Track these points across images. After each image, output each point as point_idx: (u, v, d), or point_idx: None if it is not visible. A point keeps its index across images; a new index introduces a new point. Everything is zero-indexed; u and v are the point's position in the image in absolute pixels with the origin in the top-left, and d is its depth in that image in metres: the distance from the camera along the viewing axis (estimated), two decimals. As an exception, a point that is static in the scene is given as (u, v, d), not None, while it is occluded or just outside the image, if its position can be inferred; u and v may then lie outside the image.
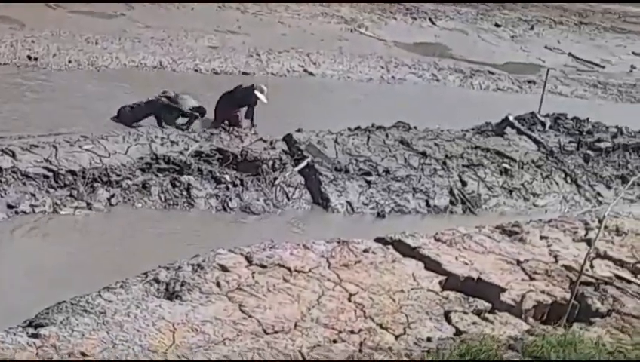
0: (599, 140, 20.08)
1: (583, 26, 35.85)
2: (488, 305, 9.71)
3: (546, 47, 32.41)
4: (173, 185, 15.33)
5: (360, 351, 8.32)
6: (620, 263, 11.29)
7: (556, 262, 11.04)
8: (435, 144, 18.22)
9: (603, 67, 30.94)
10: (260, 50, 24.90)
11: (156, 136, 16.30)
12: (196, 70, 22.74)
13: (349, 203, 16.22)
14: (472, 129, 19.69)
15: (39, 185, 14.39)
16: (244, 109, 18.47)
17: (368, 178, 16.75)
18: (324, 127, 17.87)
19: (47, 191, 14.37)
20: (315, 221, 15.55)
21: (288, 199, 15.99)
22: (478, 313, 9.53)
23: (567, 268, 10.81)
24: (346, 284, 9.63)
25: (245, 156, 16.32)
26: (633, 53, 33.56)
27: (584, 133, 20.30)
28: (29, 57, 21.14)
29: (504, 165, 18.25)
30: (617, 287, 10.44)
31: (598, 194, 18.66)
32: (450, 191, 17.19)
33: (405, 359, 8.14)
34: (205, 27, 26.32)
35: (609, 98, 27.22)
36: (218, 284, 9.22)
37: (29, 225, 13.63)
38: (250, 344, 8.22)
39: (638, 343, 8.84)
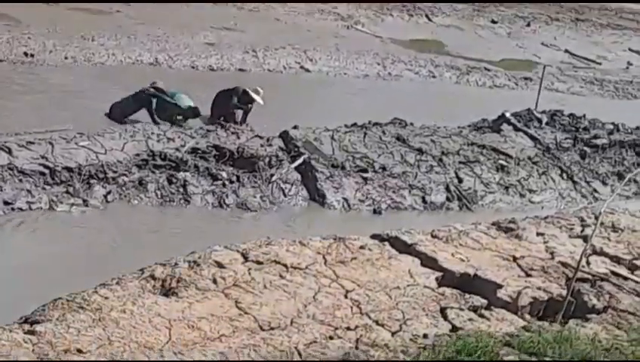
0: (595, 137, 20.09)
1: (580, 23, 35.89)
2: (484, 302, 9.70)
3: (542, 43, 32.46)
4: (170, 182, 15.33)
5: (356, 347, 8.31)
6: (616, 259, 11.29)
7: (552, 258, 11.04)
8: (432, 141, 18.23)
9: (599, 64, 30.97)
10: (256, 47, 24.91)
11: (152, 133, 16.29)
12: (192, 67, 22.75)
13: (345, 199, 16.22)
14: (469, 125, 19.70)
15: (35, 182, 14.38)
16: (239, 112, 18.47)
17: (365, 174, 16.76)
18: (320, 123, 17.87)
19: (44, 188, 14.37)
20: (311, 217, 15.56)
21: (285, 196, 15.99)
22: (475, 309, 9.53)
23: (564, 264, 10.81)
24: (342, 281, 9.62)
25: (242, 153, 16.31)
26: (629, 49, 33.61)
27: (580, 130, 20.31)
28: (26, 54, 21.15)
29: (500, 162, 18.26)
30: (613, 284, 10.44)
31: (595, 190, 18.68)
32: (447, 188, 17.20)
33: (401, 355, 8.14)
34: (201, 24, 26.33)
35: (605, 95, 27.26)
36: (214, 281, 9.21)
37: (26, 221, 13.63)
38: (247, 340, 8.21)
39: (634, 339, 8.84)
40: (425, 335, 8.66)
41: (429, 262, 10.43)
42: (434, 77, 25.83)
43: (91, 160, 15.02)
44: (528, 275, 10.46)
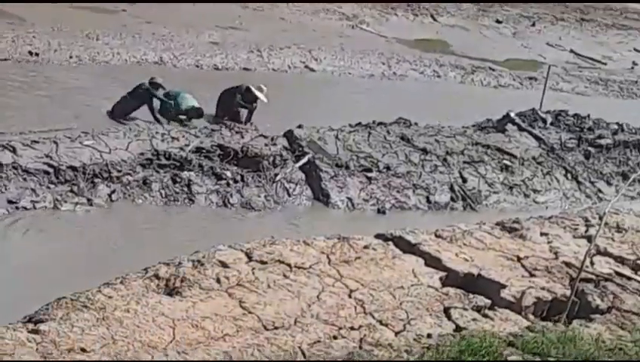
0: (600, 137, 20.07)
1: (585, 23, 35.84)
2: (488, 302, 9.71)
3: (547, 43, 32.43)
4: (174, 181, 15.33)
5: (360, 347, 8.31)
6: (620, 260, 11.29)
7: (556, 258, 11.04)
8: (436, 140, 18.22)
9: (604, 64, 30.94)
10: (261, 46, 24.90)
11: (157, 132, 16.30)
12: (197, 66, 22.74)
13: (349, 199, 16.22)
14: (473, 125, 19.68)
15: (40, 181, 14.39)
16: (244, 111, 18.50)
17: (369, 174, 16.75)
18: (324, 123, 17.87)
19: (48, 187, 14.38)
20: (315, 217, 15.55)
21: (289, 195, 15.99)
22: (478, 309, 9.53)
23: (568, 264, 10.81)
24: (346, 280, 9.63)
25: (246, 152, 16.31)
26: (634, 49, 33.56)
27: (585, 130, 20.29)
28: (30, 53, 21.15)
29: (505, 162, 18.25)
30: (617, 284, 10.44)
31: (599, 190, 18.66)
32: (451, 188, 17.19)
33: (405, 355, 8.14)
34: (206, 23, 26.31)
35: (610, 95, 27.23)
36: (218, 280, 9.22)
37: (30, 220, 13.64)
38: (250, 340, 8.22)
39: (638, 340, 8.84)
40: (429, 335, 8.66)
41: (433, 261, 10.43)
42: (439, 76, 25.81)
43: (96, 159, 15.03)
44: (532, 275, 10.46)
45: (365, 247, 10.52)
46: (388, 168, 17.04)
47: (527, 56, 30.55)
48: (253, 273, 9.46)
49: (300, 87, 22.20)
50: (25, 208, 13.90)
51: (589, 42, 33.59)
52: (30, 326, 8.10)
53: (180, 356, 7.82)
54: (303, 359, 8.03)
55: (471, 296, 9.75)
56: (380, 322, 8.91)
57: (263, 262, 9.73)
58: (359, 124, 18.29)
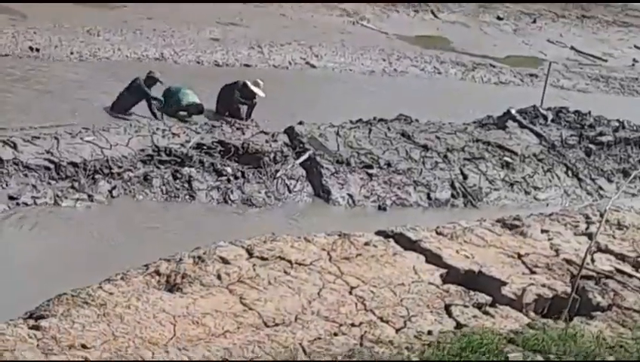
0: (601, 134, 20.06)
1: (586, 20, 35.79)
2: (489, 299, 9.71)
3: (548, 40, 32.38)
4: (175, 178, 15.33)
5: (361, 344, 8.32)
6: (621, 257, 11.28)
7: (557, 255, 11.03)
8: (437, 137, 18.22)
9: (605, 60, 30.90)
10: (261, 43, 24.88)
11: (158, 128, 16.30)
12: (198, 62, 22.73)
13: (350, 196, 16.22)
14: (474, 122, 19.68)
15: (40, 177, 14.39)
16: (244, 107, 18.51)
17: (370, 171, 16.75)
18: (325, 119, 17.87)
19: (49, 183, 14.39)
20: (316, 214, 15.55)
21: (290, 192, 15.98)
22: (479, 306, 9.53)
23: (568, 261, 10.80)
24: (346, 277, 9.63)
25: (247, 148, 16.31)
26: (635, 46, 33.53)
27: (586, 127, 20.28)
28: (31, 48, 21.14)
29: (505, 158, 18.24)
30: (618, 281, 10.43)
31: (600, 187, 18.65)
32: (452, 185, 17.19)
33: (406, 352, 8.14)
34: (207, 19, 26.28)
35: (611, 91, 27.21)
36: (219, 277, 9.21)
37: (30, 216, 13.63)
38: (251, 336, 8.22)
39: (639, 337, 8.84)
40: (429, 332, 8.66)
41: (433, 258, 10.43)
42: (439, 73, 25.79)
43: (96, 155, 15.04)
44: (533, 272, 10.45)
45: (366, 244, 10.52)
46: (389, 165, 17.04)
47: (528, 52, 30.51)
48: (253, 269, 9.46)
49: (301, 83, 22.18)
50: (25, 204, 13.90)
51: (590, 39, 33.55)
52: (31, 322, 8.10)
53: (180, 352, 7.83)
54: (303, 356, 8.03)
55: (472, 293, 9.74)
56: (381, 319, 8.91)
57: (263, 259, 9.73)
58: (360, 120, 18.29)
